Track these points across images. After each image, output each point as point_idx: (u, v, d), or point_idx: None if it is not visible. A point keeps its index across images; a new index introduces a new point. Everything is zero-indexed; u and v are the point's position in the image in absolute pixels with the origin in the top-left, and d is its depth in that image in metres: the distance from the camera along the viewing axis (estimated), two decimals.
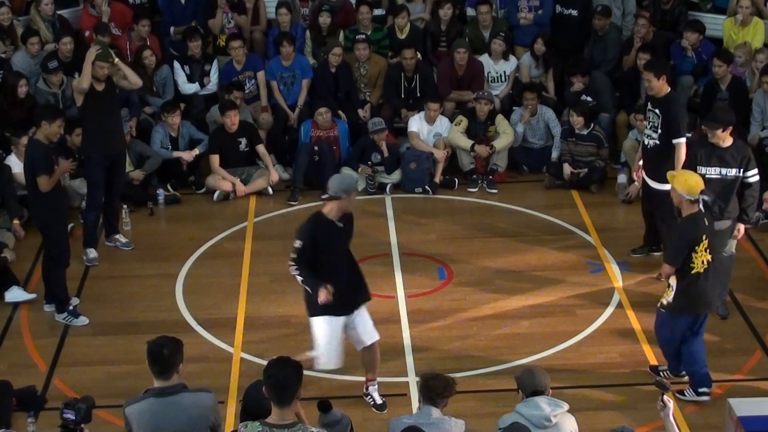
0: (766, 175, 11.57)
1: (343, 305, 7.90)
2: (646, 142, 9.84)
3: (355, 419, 6.77)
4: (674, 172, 8.35)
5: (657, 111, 9.62)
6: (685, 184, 8.00)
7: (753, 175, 9.01)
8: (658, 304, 8.29)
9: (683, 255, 7.99)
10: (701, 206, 8.04)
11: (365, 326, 8.07)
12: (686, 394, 8.33)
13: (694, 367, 8.32)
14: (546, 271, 10.47)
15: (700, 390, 8.30)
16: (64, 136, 10.28)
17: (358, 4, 13.47)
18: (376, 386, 8.34)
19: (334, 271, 7.87)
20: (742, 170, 8.94)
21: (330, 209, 7.91)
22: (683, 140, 9.55)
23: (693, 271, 8.02)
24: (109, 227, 11.05)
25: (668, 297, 8.16)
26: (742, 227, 9.11)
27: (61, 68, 12.15)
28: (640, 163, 10.10)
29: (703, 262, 8.02)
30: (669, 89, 9.74)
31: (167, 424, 5.81)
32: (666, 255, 8.14)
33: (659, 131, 9.59)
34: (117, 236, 11.07)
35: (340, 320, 7.95)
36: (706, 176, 8.72)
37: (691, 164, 9.01)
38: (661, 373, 8.56)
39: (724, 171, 8.94)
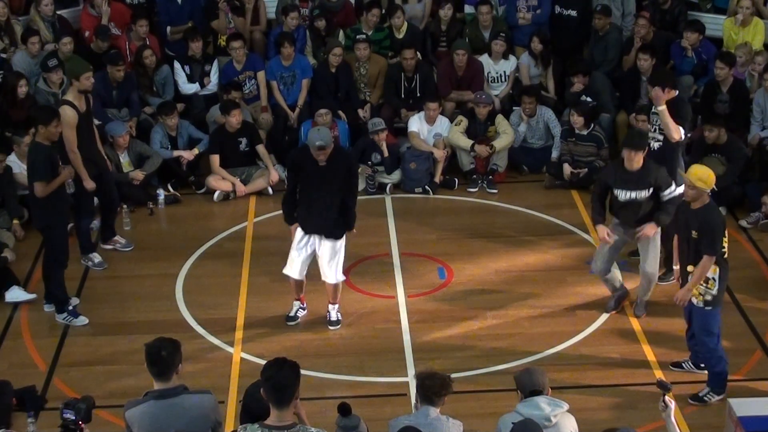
0: (767, 175, 11.67)
1: (308, 226, 9.21)
2: (651, 145, 9.79)
3: None
4: (688, 171, 8.13)
5: None
6: (705, 179, 7.93)
7: (670, 193, 9.03)
8: (700, 304, 8.13)
9: (721, 242, 7.98)
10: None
11: (323, 263, 9.28)
12: (707, 399, 8.32)
13: (721, 365, 8.31)
14: (546, 271, 10.48)
15: (719, 394, 8.31)
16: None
17: (368, 6, 13.46)
18: (336, 307, 9.56)
19: (310, 198, 9.09)
20: (652, 190, 9.00)
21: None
22: (682, 130, 9.52)
23: (725, 255, 8.06)
24: (109, 233, 11.00)
25: (712, 291, 8.07)
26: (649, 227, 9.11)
27: (61, 67, 12.15)
28: None
29: (727, 241, 8.10)
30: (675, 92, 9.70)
31: (168, 426, 5.81)
32: (709, 250, 7.97)
33: (664, 133, 9.58)
34: (116, 238, 11.05)
35: (305, 237, 9.24)
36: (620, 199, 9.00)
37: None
38: (683, 365, 8.64)
39: (634, 194, 9.00)
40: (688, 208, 8.11)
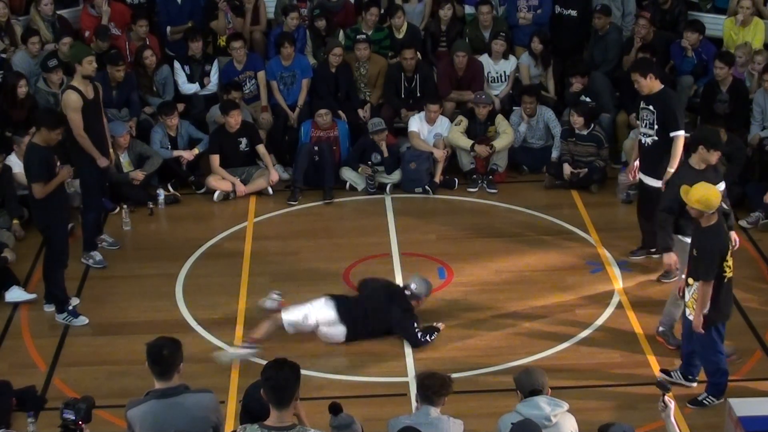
0: (767, 175, 11.67)
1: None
2: (642, 141, 9.81)
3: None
4: (689, 188, 7.85)
5: (651, 108, 9.62)
6: (706, 201, 7.68)
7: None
8: (692, 317, 7.98)
9: (716, 267, 7.78)
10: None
11: None
12: (707, 402, 8.26)
13: (721, 377, 8.24)
14: (546, 271, 10.47)
15: (717, 399, 8.25)
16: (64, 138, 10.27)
17: (367, 5, 13.47)
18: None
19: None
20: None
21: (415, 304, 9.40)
22: (681, 133, 9.54)
23: (726, 279, 7.90)
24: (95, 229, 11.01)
25: (704, 310, 7.91)
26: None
27: (61, 66, 12.15)
28: (637, 162, 10.08)
29: (730, 267, 7.90)
30: (661, 86, 9.69)
31: (170, 425, 5.81)
32: (701, 275, 7.82)
33: (656, 127, 9.59)
34: (102, 236, 11.06)
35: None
36: None
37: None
38: (672, 375, 8.46)
39: None
40: (698, 225, 7.92)
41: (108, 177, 10.97)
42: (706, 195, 7.70)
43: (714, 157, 8.57)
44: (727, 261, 7.87)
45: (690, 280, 8.04)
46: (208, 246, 11.12)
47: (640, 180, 10.05)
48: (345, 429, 6.51)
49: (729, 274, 7.92)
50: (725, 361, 8.23)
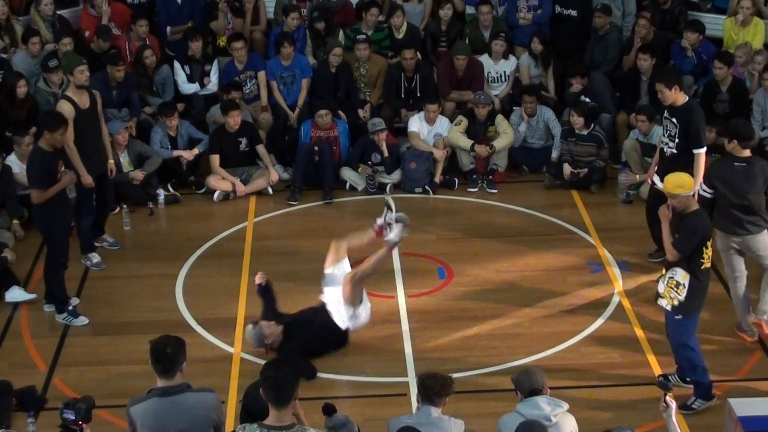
0: None
1: None
2: (664, 150, 9.73)
3: (355, 419, 6.77)
4: (664, 184, 8.09)
5: (674, 120, 9.49)
6: (682, 185, 7.83)
7: None
8: (668, 307, 8.06)
9: (693, 247, 7.84)
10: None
11: None
12: (695, 406, 8.21)
13: (699, 375, 8.23)
14: (546, 271, 10.47)
15: (707, 400, 8.24)
16: None
17: (367, 5, 13.47)
18: None
19: None
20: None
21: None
22: (703, 150, 9.47)
23: (703, 267, 7.92)
24: (96, 231, 10.99)
25: (680, 297, 7.95)
26: None
27: (61, 67, 12.15)
28: (655, 168, 10.00)
29: (709, 256, 7.94)
30: (686, 98, 9.59)
31: (171, 423, 5.82)
32: (676, 244, 7.88)
33: (676, 140, 9.50)
34: (103, 236, 11.06)
35: None
36: None
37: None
38: (670, 379, 8.41)
39: None
40: (683, 215, 7.95)
41: (106, 184, 10.89)
42: (680, 178, 7.92)
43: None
44: (707, 248, 7.89)
45: (664, 270, 8.09)
46: (208, 246, 11.12)
47: (654, 184, 9.97)
48: (340, 429, 6.51)
49: (707, 263, 7.94)
50: (700, 357, 8.19)
